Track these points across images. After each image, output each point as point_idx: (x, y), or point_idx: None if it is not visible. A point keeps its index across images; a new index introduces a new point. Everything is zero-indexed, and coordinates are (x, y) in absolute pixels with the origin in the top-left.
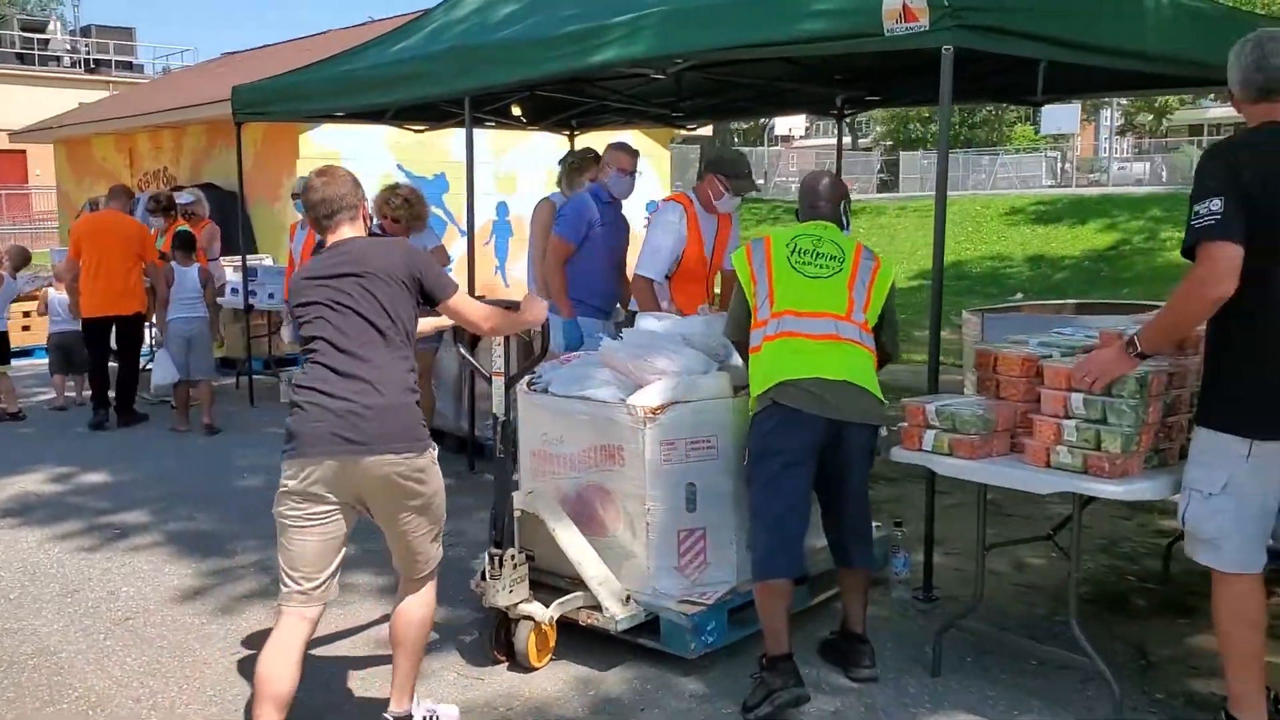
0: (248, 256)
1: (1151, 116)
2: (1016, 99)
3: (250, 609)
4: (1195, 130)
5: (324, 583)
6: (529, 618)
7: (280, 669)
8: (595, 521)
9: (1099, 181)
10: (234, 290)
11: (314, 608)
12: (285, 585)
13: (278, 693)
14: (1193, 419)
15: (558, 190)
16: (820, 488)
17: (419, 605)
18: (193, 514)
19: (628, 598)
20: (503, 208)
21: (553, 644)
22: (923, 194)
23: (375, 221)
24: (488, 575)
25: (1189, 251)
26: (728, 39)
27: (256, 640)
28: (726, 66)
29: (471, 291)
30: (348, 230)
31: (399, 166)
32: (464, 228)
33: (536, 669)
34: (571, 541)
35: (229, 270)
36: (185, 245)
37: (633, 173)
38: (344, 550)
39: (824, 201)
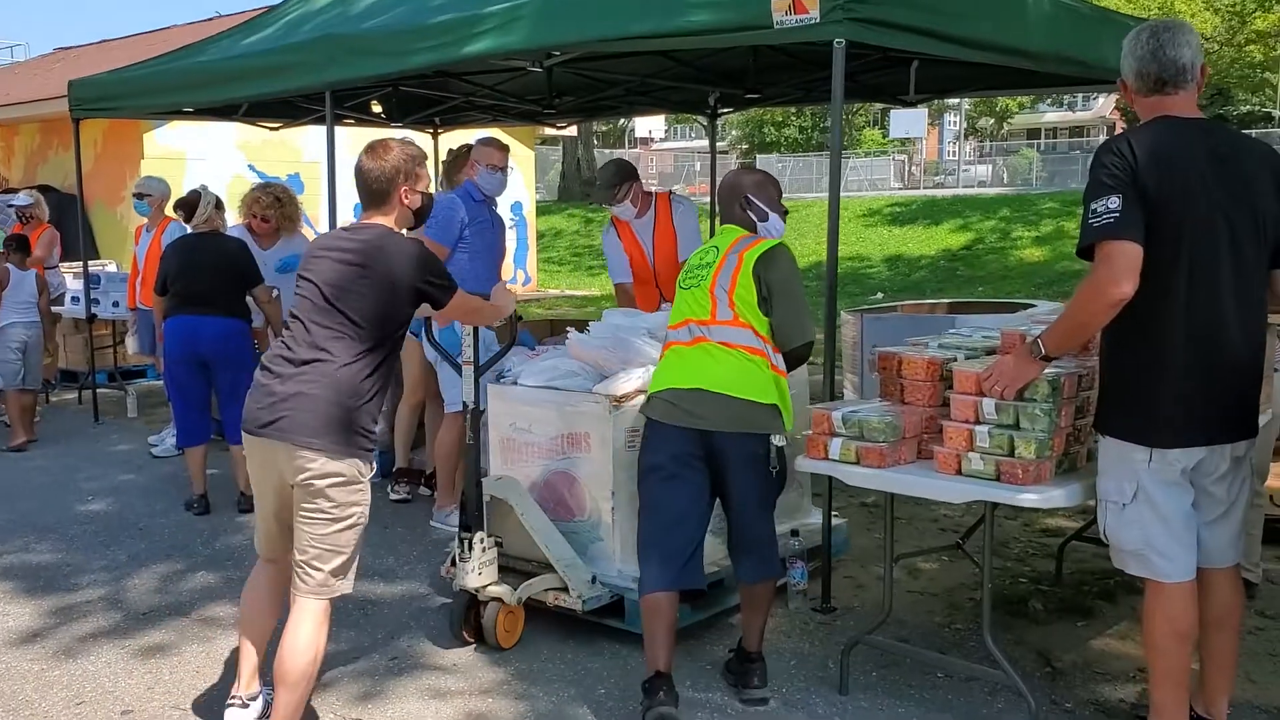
0: (89, 263)
1: (993, 120)
2: (891, 98)
3: (98, 651)
4: (1033, 134)
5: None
6: (498, 599)
7: (254, 605)
8: (563, 506)
9: (944, 184)
10: (74, 299)
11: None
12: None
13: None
14: (1094, 429)
15: (439, 190)
16: (719, 499)
17: (308, 636)
18: (30, 544)
19: (593, 579)
20: (359, 208)
21: (521, 626)
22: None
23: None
24: (457, 558)
25: (1086, 251)
26: (610, 30)
27: (106, 688)
28: (601, 62)
29: None
30: (378, 216)
31: (250, 167)
32: (320, 231)
33: (505, 650)
34: (539, 526)
35: (69, 277)
36: (22, 248)
37: (504, 169)
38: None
39: (722, 205)
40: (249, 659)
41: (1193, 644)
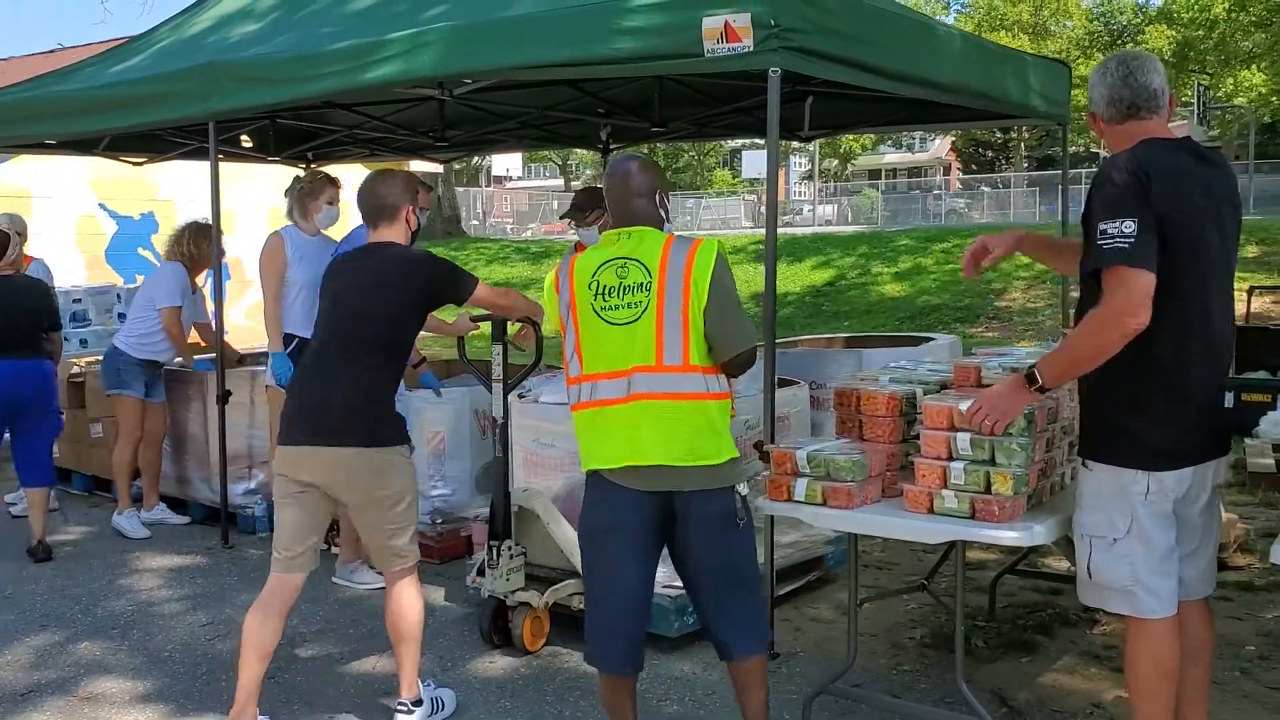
0: None
1: (836, 161)
2: (788, 134)
3: None
4: (874, 175)
5: (301, 553)
6: (525, 604)
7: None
8: None
9: (793, 223)
10: None
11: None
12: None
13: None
14: (1082, 458)
15: (289, 224)
16: (677, 570)
17: (408, 599)
18: None
19: None
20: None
21: (547, 629)
22: None
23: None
24: (485, 565)
25: (1094, 274)
26: (531, 57)
27: None
28: (499, 93)
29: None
30: (386, 232)
31: (101, 206)
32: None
33: (532, 653)
34: (564, 534)
35: None
36: None
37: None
38: (322, 528)
39: (620, 200)
40: (253, 685)
41: (1176, 680)
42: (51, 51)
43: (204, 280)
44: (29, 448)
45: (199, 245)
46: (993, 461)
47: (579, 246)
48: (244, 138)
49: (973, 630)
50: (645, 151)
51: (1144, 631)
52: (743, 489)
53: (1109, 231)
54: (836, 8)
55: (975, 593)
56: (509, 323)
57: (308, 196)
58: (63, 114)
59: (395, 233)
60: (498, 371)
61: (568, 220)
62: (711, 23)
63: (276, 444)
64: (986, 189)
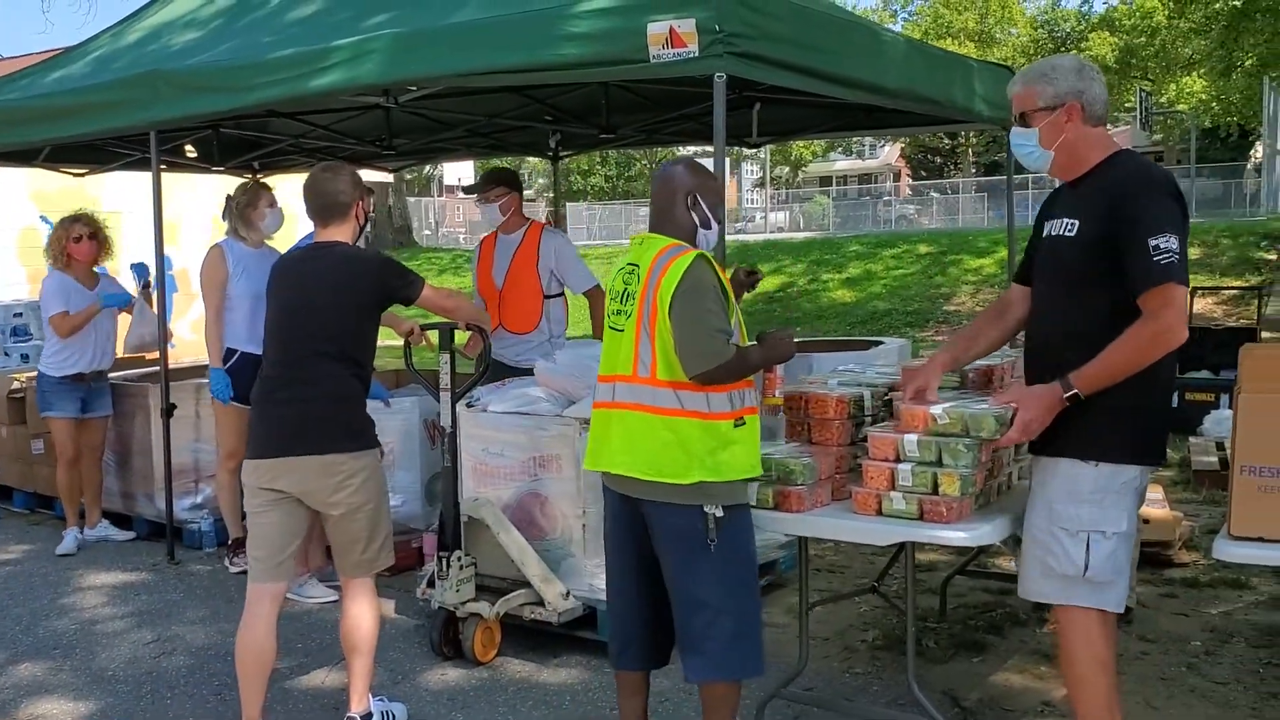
0: None
1: (788, 169)
2: (736, 140)
3: None
4: (825, 181)
5: (283, 560)
6: (476, 615)
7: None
8: (534, 526)
9: (745, 230)
10: None
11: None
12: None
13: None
14: (1082, 458)
15: (228, 236)
16: None
17: (364, 610)
18: None
19: (567, 593)
20: (166, 260)
21: (498, 640)
22: (592, 242)
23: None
24: (435, 576)
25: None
26: (476, 63)
27: None
28: (446, 100)
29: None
30: (336, 230)
31: (43, 218)
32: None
33: (483, 664)
34: (514, 543)
35: None
36: None
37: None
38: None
39: (657, 204)
40: (259, 706)
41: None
42: None
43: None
44: None
45: (59, 243)
46: (939, 463)
47: (488, 236)
48: (188, 148)
49: (924, 631)
50: (600, 158)
51: (1105, 624)
52: (717, 511)
53: (1160, 247)
54: (782, 13)
55: (926, 594)
56: (456, 331)
57: (248, 208)
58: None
59: (345, 231)
60: (445, 381)
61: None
62: (656, 28)
63: (246, 457)
64: (936, 194)
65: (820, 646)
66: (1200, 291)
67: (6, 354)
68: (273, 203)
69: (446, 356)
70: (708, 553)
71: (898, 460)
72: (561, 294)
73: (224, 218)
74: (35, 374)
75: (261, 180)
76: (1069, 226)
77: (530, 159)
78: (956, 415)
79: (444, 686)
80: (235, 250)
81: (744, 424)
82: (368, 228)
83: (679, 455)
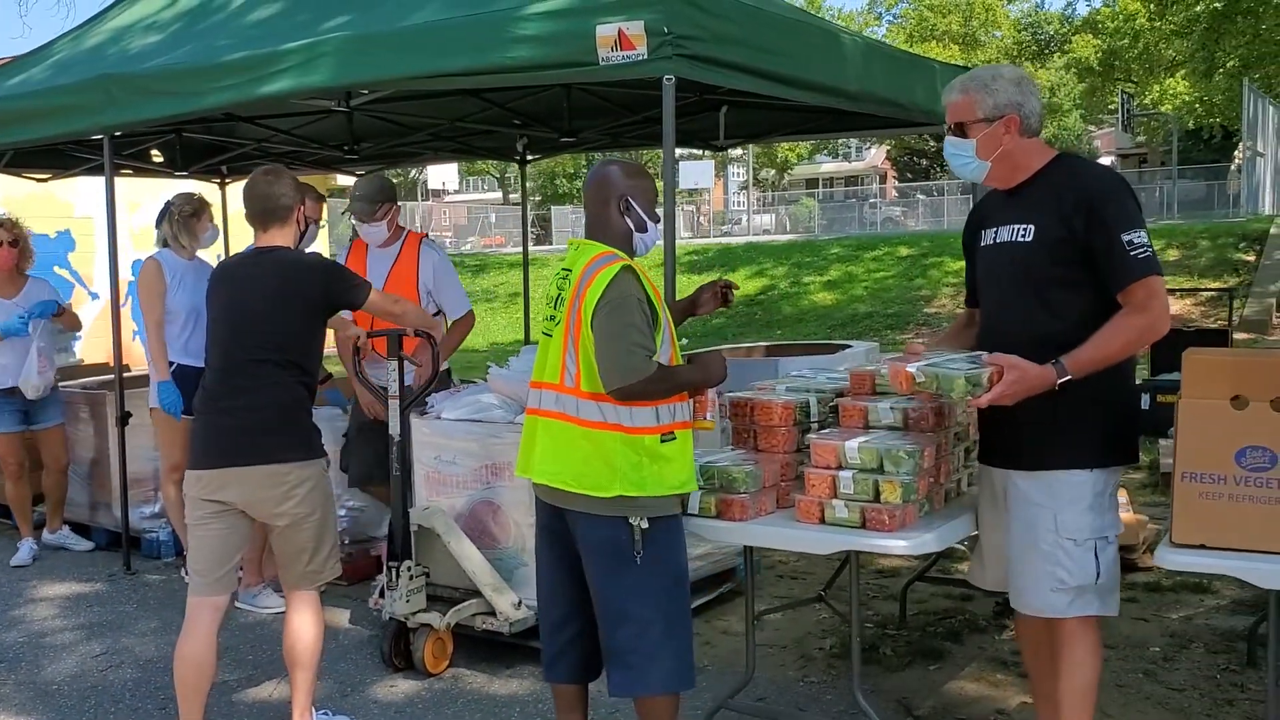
0: None
1: (774, 171)
2: (703, 143)
3: None
4: (811, 183)
5: (222, 575)
6: (427, 625)
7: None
8: (487, 535)
9: (731, 232)
10: None
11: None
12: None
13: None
14: (1076, 466)
15: (166, 248)
16: None
17: (307, 623)
18: None
19: (519, 603)
20: (138, 266)
21: (450, 651)
22: None
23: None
24: (385, 587)
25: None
26: (422, 66)
27: None
28: (406, 103)
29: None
30: (276, 235)
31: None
32: (94, 290)
33: (434, 675)
34: (466, 552)
35: None
36: None
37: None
38: (242, 548)
39: (591, 207)
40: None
41: None
42: None
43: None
44: None
45: None
46: (881, 470)
47: (354, 244)
48: (153, 152)
49: (882, 639)
50: (587, 161)
51: (1096, 629)
52: (642, 523)
53: (1134, 242)
54: (733, 15)
55: (887, 600)
56: (404, 338)
57: (192, 217)
58: None
59: (285, 236)
60: (394, 388)
61: (350, 215)
62: (605, 30)
63: (188, 467)
64: (922, 196)
65: (776, 655)
66: (1178, 293)
67: None
68: (212, 217)
69: (394, 363)
70: (633, 565)
71: (840, 468)
72: (439, 314)
73: (158, 225)
74: None
75: (202, 195)
76: (1021, 231)
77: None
78: (931, 374)
79: (393, 698)
80: (171, 262)
81: (674, 439)
82: (310, 231)
83: (601, 468)
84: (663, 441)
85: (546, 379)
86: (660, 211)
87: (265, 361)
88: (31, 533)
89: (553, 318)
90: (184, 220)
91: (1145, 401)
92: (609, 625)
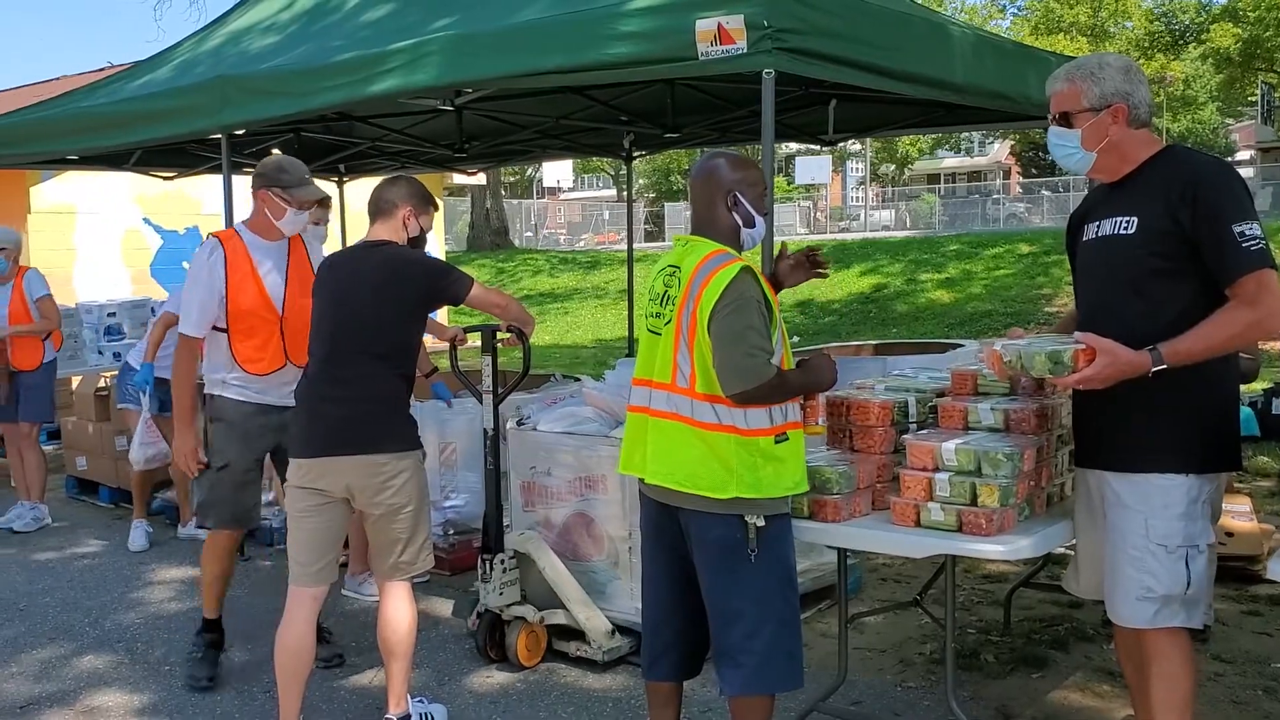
0: None
1: (894, 166)
2: (810, 137)
3: None
4: (933, 179)
5: (324, 566)
6: (520, 618)
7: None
8: (581, 547)
9: (849, 229)
10: None
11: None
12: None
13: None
14: (1167, 470)
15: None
16: None
17: (401, 613)
18: None
19: (613, 631)
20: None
21: (544, 645)
22: None
23: None
24: (479, 579)
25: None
26: (524, 65)
27: None
28: (512, 102)
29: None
30: (381, 229)
31: (146, 221)
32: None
33: (528, 668)
34: (561, 581)
35: None
36: None
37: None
38: (341, 540)
39: (697, 203)
40: (297, 707)
41: None
42: (101, 69)
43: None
44: None
45: None
46: (979, 472)
47: (226, 238)
48: (275, 151)
49: (984, 644)
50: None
51: (1187, 642)
52: (758, 521)
53: (1247, 234)
54: (835, 8)
55: (991, 606)
56: (498, 332)
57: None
58: (82, 130)
59: (390, 230)
60: (488, 383)
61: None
62: (705, 25)
63: (290, 455)
64: (1047, 192)
65: (874, 658)
66: None
67: (100, 353)
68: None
69: (489, 359)
70: (748, 563)
71: (936, 469)
72: None
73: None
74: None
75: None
76: (1124, 224)
77: (635, 163)
78: (1015, 352)
79: (487, 689)
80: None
81: (787, 439)
82: (420, 239)
83: (716, 469)
84: (776, 442)
85: (656, 378)
86: (764, 205)
87: (366, 355)
88: (144, 514)
89: (659, 315)
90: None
91: (1276, 407)
92: (721, 624)
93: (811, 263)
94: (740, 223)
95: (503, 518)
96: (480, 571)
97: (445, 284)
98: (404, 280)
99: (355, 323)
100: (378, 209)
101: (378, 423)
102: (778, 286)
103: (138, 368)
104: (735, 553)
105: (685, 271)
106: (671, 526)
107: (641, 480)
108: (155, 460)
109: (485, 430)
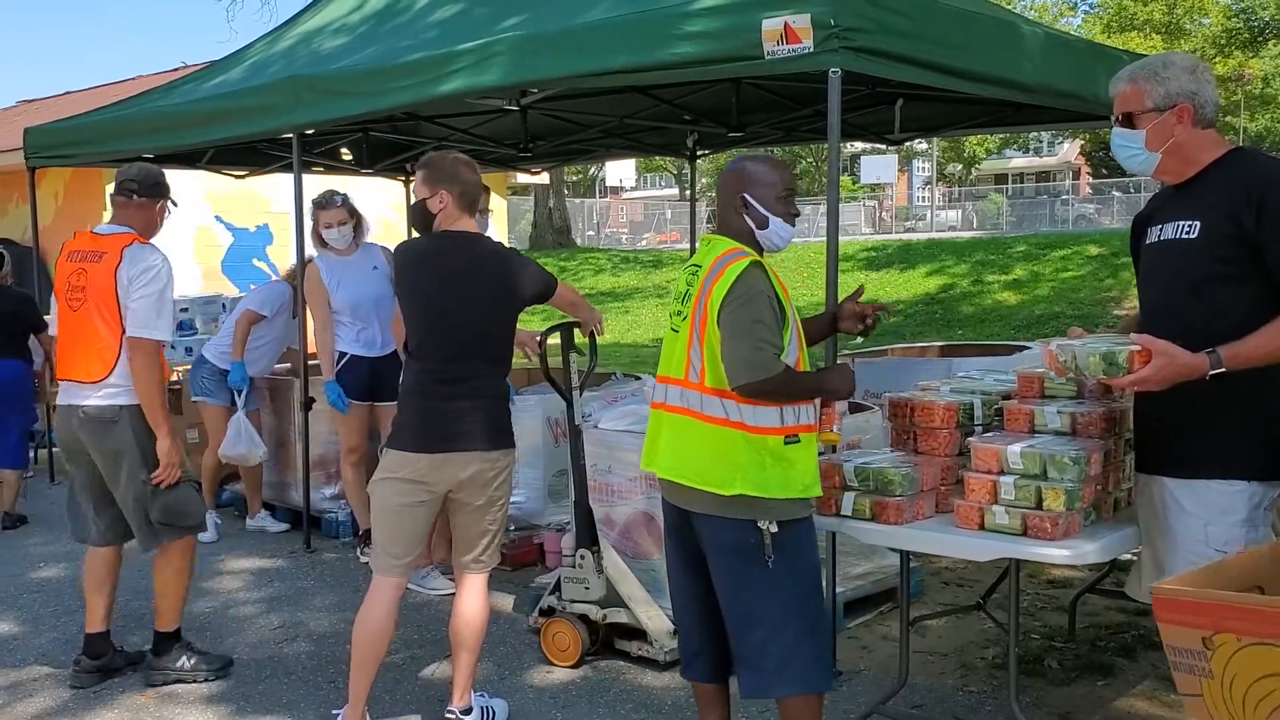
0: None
1: (961, 166)
2: (876, 136)
3: None
4: (1000, 179)
5: (413, 559)
6: (583, 616)
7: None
8: (643, 545)
9: (915, 229)
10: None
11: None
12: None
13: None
14: (1234, 477)
15: (320, 253)
16: None
17: (477, 606)
18: None
19: (675, 631)
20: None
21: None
22: None
23: None
24: (562, 574)
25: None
26: (590, 64)
27: None
28: (576, 101)
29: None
30: (469, 223)
31: (218, 218)
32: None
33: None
34: (624, 583)
35: None
36: None
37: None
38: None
39: (721, 204)
40: (366, 690)
41: None
42: (175, 69)
43: None
44: (2, 433)
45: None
46: (1044, 476)
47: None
48: (343, 150)
49: (1049, 650)
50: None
51: None
52: (772, 527)
53: None
54: (902, 7)
55: (1056, 611)
56: (575, 332)
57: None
58: (159, 129)
59: (473, 224)
60: (573, 380)
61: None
62: (771, 24)
63: (400, 448)
64: (1118, 193)
65: (937, 663)
66: None
67: (172, 347)
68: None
69: (571, 356)
70: (764, 569)
71: (1001, 472)
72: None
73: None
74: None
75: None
76: (1187, 228)
77: (699, 162)
78: (1069, 351)
79: (548, 685)
80: (329, 263)
81: (798, 441)
82: (481, 220)
83: (722, 464)
84: (786, 443)
85: (671, 374)
86: (785, 205)
87: (480, 353)
88: (214, 506)
89: (679, 313)
90: (313, 224)
91: None
92: (737, 628)
93: (873, 319)
94: (752, 225)
95: (589, 513)
96: (564, 565)
97: (543, 284)
98: (515, 281)
99: (470, 322)
100: (470, 202)
101: (492, 420)
102: (835, 323)
103: (213, 361)
104: (748, 558)
105: (704, 268)
106: (687, 528)
107: (661, 483)
108: (246, 458)
109: (577, 427)
